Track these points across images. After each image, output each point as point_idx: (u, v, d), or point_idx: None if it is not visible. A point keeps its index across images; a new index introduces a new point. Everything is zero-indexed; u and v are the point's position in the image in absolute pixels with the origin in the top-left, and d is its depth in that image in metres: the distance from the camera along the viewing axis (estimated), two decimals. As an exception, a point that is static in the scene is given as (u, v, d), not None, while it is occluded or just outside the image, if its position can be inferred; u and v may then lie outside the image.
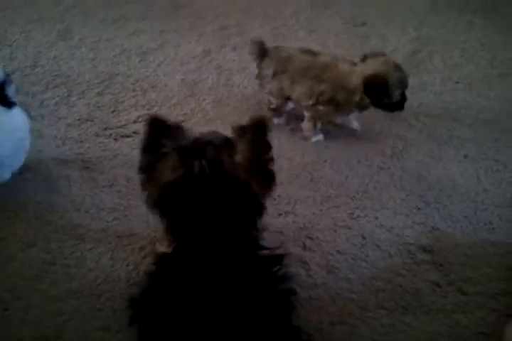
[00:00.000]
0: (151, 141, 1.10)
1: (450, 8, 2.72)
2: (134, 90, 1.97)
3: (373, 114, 1.76)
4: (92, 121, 1.81)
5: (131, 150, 1.69)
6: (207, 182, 1.04)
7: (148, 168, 1.10)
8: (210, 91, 1.98)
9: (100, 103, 1.90)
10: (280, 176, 1.59)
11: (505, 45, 2.40)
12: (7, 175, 1.54)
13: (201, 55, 2.20)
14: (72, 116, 1.82)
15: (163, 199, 1.08)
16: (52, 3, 2.56)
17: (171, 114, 1.85)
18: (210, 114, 1.87)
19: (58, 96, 1.91)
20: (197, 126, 1.79)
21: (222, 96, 1.95)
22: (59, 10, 2.50)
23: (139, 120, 1.81)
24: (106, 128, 1.78)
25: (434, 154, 1.76)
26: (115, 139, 1.74)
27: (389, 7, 2.69)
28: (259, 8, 2.58)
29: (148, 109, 1.87)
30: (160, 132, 1.10)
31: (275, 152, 1.16)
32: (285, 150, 1.73)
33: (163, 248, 1.30)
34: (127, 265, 1.35)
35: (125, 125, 1.79)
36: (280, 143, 1.74)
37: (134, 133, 1.76)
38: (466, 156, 1.76)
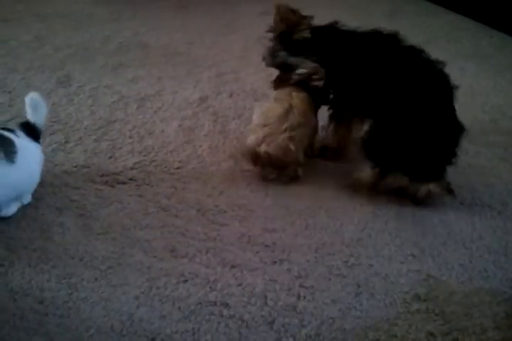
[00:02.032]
0: None
1: (443, 54, 2.78)
2: (130, 137, 1.99)
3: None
4: (89, 167, 1.82)
5: (127, 197, 1.70)
6: None
7: None
8: (206, 138, 2.01)
9: (97, 149, 1.91)
10: (275, 223, 1.63)
11: (495, 90, 2.45)
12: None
13: (198, 102, 2.24)
14: (69, 163, 1.84)
15: None
16: (54, 50, 2.62)
17: (167, 160, 1.87)
18: (206, 160, 1.89)
19: (56, 142, 1.93)
20: (192, 173, 1.82)
21: (218, 143, 1.98)
22: (60, 57, 2.55)
23: (136, 166, 1.83)
24: (102, 175, 1.79)
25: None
26: (111, 186, 1.74)
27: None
28: (255, 56, 2.63)
29: (144, 156, 1.89)
30: None
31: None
32: (280, 197, 1.75)
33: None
34: (121, 315, 1.34)
35: (121, 172, 1.81)
36: (275, 189, 1.77)
37: (130, 179, 1.77)
38: (461, 203, 1.77)
